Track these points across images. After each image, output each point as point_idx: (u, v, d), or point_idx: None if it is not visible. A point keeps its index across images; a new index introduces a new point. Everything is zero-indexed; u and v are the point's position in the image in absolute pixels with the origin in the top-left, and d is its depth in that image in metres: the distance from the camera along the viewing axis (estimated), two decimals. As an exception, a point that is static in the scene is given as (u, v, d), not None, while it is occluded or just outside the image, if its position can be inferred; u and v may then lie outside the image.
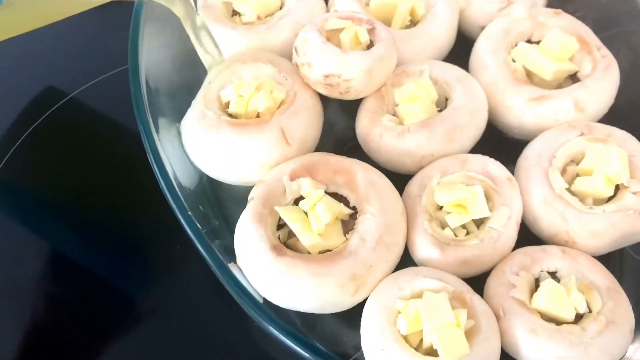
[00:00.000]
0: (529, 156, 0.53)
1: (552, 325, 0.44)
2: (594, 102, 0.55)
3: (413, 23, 0.62)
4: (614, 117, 0.56)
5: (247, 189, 0.51)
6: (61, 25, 0.77)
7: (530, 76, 0.58)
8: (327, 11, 0.62)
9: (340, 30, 0.54)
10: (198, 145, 0.52)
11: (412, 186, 0.51)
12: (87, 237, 0.64)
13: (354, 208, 0.49)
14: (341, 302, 0.46)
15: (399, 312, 0.43)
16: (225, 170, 0.52)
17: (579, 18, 0.61)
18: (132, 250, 0.63)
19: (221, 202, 0.56)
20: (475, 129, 0.54)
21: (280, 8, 0.61)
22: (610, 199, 0.50)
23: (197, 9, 0.60)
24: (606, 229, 0.48)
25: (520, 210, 0.50)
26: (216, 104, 0.53)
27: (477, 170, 0.51)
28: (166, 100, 0.55)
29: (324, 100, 0.56)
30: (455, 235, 0.48)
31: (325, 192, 0.48)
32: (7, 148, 0.68)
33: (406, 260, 0.49)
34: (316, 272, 0.44)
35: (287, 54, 0.56)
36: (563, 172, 0.51)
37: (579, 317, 0.45)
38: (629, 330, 0.44)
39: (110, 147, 0.69)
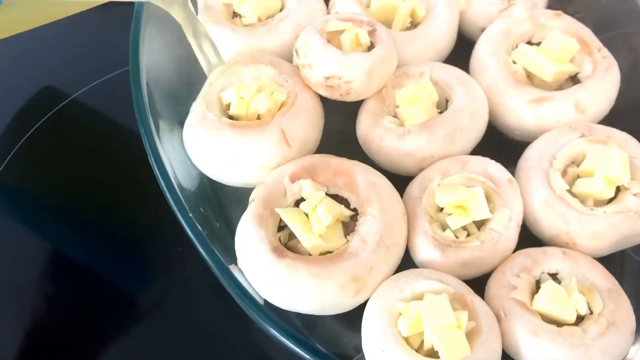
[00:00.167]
0: (529, 157, 0.53)
1: (553, 327, 0.43)
2: (595, 104, 0.55)
3: (413, 25, 0.62)
4: (614, 118, 0.56)
5: (248, 191, 0.51)
6: (62, 26, 0.77)
7: (530, 78, 0.58)
8: (328, 13, 0.62)
9: (341, 32, 0.54)
10: (199, 147, 0.52)
11: (413, 188, 0.51)
12: (88, 238, 0.64)
13: (354, 210, 0.49)
14: (342, 303, 0.46)
15: (400, 314, 0.43)
16: (226, 171, 0.52)
17: (578, 19, 0.60)
18: (132, 250, 0.63)
19: (222, 203, 0.56)
20: (475, 131, 0.54)
21: (281, 10, 0.61)
22: (611, 200, 0.50)
23: (197, 11, 0.60)
24: (607, 230, 0.48)
25: (520, 211, 0.50)
26: (217, 105, 0.53)
27: (477, 172, 0.51)
28: (167, 101, 0.55)
29: (325, 101, 0.56)
30: (456, 237, 0.48)
31: (326, 194, 0.48)
32: (9, 149, 0.68)
33: (407, 262, 0.49)
34: (317, 274, 0.44)
35: (288, 56, 0.56)
36: (564, 173, 0.51)
37: (579, 319, 0.45)
38: (630, 331, 0.44)
39: (111, 149, 0.69)
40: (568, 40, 0.57)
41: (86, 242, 0.64)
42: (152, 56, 0.56)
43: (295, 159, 0.51)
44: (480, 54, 0.59)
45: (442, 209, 0.50)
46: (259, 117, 0.52)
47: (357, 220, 0.48)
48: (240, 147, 0.50)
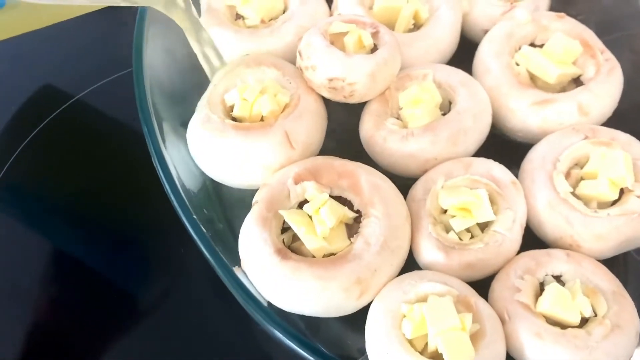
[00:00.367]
0: (533, 159, 0.53)
1: (557, 329, 0.43)
2: (598, 106, 0.55)
3: (416, 27, 0.62)
4: (617, 120, 0.56)
5: (251, 192, 0.51)
6: (67, 27, 0.77)
7: (533, 80, 0.58)
8: (330, 15, 0.62)
9: (344, 33, 0.54)
10: (203, 149, 0.52)
11: (416, 190, 0.51)
12: (91, 239, 0.64)
13: (358, 211, 0.49)
14: (346, 305, 0.45)
15: (404, 316, 0.43)
16: (229, 173, 0.52)
17: (581, 21, 0.60)
18: (134, 250, 0.63)
19: (225, 205, 0.56)
20: (479, 133, 0.54)
21: (284, 12, 0.61)
22: (614, 202, 0.50)
23: (200, 13, 0.60)
24: (611, 232, 0.48)
25: (524, 213, 0.50)
26: (220, 107, 0.53)
27: (481, 174, 0.51)
28: (170, 103, 0.55)
29: (328, 103, 0.56)
30: (460, 239, 0.48)
31: (330, 196, 0.48)
32: (13, 149, 0.68)
33: (410, 264, 0.49)
34: (321, 276, 0.44)
35: (291, 58, 0.56)
36: (567, 175, 0.51)
37: (584, 321, 0.45)
38: (634, 334, 0.44)
39: (115, 150, 0.69)
40: (571, 43, 0.57)
41: (89, 243, 0.64)
42: (155, 57, 0.56)
43: (298, 161, 0.51)
44: (483, 55, 0.59)
45: (445, 211, 0.50)
46: (262, 119, 0.52)
47: (360, 222, 0.48)
48: (244, 148, 0.50)
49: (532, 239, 0.51)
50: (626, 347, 0.43)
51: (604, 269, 0.47)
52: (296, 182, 0.49)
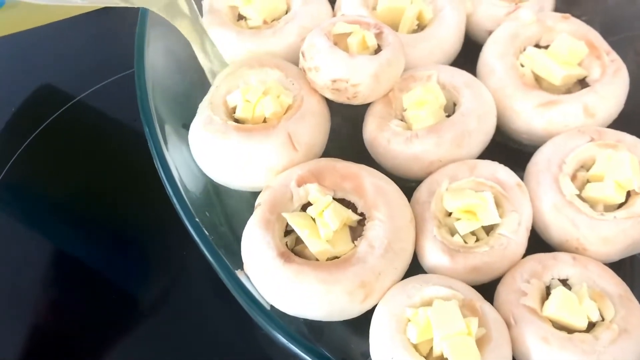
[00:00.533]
0: (538, 162, 0.52)
1: (564, 334, 0.43)
2: (604, 107, 0.54)
3: (420, 27, 0.62)
4: (623, 122, 0.56)
5: (254, 195, 0.50)
6: (68, 28, 0.77)
7: (538, 81, 0.57)
8: (334, 15, 0.62)
9: (348, 34, 0.53)
10: (205, 150, 0.51)
11: (421, 192, 0.51)
12: (92, 240, 0.64)
13: (362, 214, 0.49)
14: (350, 309, 0.45)
15: (409, 320, 0.43)
16: (231, 175, 0.51)
17: (585, 22, 0.60)
18: (135, 252, 0.63)
19: (227, 207, 0.56)
20: (483, 134, 0.53)
21: (286, 12, 0.61)
22: (621, 205, 0.49)
23: (202, 13, 0.60)
24: (617, 235, 0.48)
25: (530, 216, 0.49)
26: (223, 108, 0.53)
27: (486, 176, 0.50)
28: (172, 104, 0.55)
29: (331, 105, 0.55)
30: (465, 242, 0.48)
31: (333, 198, 0.48)
32: (14, 150, 0.68)
33: (415, 267, 0.48)
34: (324, 279, 0.44)
35: (294, 59, 0.56)
36: (573, 178, 0.51)
37: (591, 326, 0.44)
38: (642, 338, 0.43)
39: (116, 151, 0.69)
40: (576, 44, 0.56)
41: (89, 244, 0.64)
42: (157, 58, 0.56)
43: (301, 163, 0.51)
44: (488, 56, 0.59)
45: (450, 214, 0.49)
46: (265, 121, 0.52)
47: (364, 225, 0.48)
48: (246, 150, 0.50)
49: (538, 242, 0.50)
50: (634, 352, 0.42)
51: (610, 273, 0.47)
52: (299, 185, 0.49)
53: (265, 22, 0.60)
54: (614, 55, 0.57)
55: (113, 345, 0.57)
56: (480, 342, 0.41)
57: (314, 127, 0.52)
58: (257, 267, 0.46)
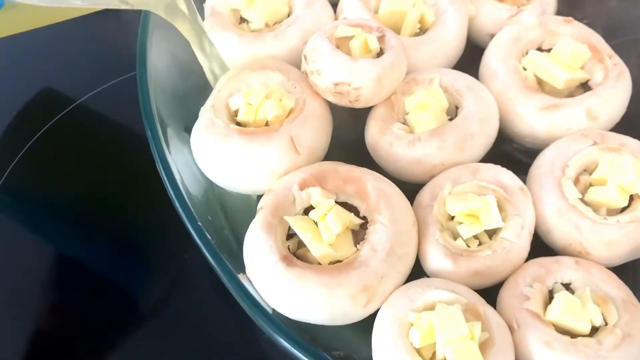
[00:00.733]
0: (541, 165, 0.52)
1: (567, 338, 0.43)
2: (607, 111, 0.54)
3: (422, 30, 0.61)
4: (626, 125, 0.56)
5: (256, 198, 0.50)
6: (69, 30, 0.77)
7: (541, 84, 0.57)
8: (336, 19, 0.62)
9: (350, 37, 0.53)
10: (207, 154, 0.51)
11: (423, 196, 0.51)
12: (93, 243, 0.64)
13: (364, 218, 0.49)
14: (352, 313, 0.45)
15: (411, 324, 0.43)
16: (233, 178, 0.51)
17: (587, 25, 0.60)
18: (136, 255, 0.63)
19: (229, 211, 0.55)
20: (486, 138, 0.53)
21: (288, 15, 0.61)
22: (624, 209, 0.49)
23: (204, 16, 0.60)
24: (621, 239, 0.47)
25: (533, 220, 0.49)
26: (225, 112, 0.53)
27: (489, 180, 0.50)
28: (174, 107, 0.55)
29: (333, 108, 0.55)
30: (468, 246, 0.48)
31: (335, 202, 0.48)
32: (15, 153, 0.68)
33: (417, 271, 0.48)
34: (327, 283, 0.44)
35: (296, 62, 0.56)
36: (576, 181, 0.51)
37: (594, 330, 0.44)
38: (645, 343, 0.43)
39: (118, 154, 0.69)
40: (579, 47, 0.56)
41: (91, 247, 0.64)
42: (160, 61, 0.55)
43: (303, 166, 0.50)
44: (490, 60, 0.59)
45: (453, 218, 0.49)
46: (267, 124, 0.52)
47: (367, 228, 0.47)
48: (248, 153, 0.50)
49: (541, 246, 0.50)
50: (638, 357, 0.42)
51: (613, 277, 0.47)
52: (301, 188, 0.49)
53: (267, 25, 0.60)
54: (617, 58, 0.57)
55: (114, 346, 0.57)
56: (483, 347, 0.41)
57: (316, 130, 0.52)
58: (260, 271, 0.46)
